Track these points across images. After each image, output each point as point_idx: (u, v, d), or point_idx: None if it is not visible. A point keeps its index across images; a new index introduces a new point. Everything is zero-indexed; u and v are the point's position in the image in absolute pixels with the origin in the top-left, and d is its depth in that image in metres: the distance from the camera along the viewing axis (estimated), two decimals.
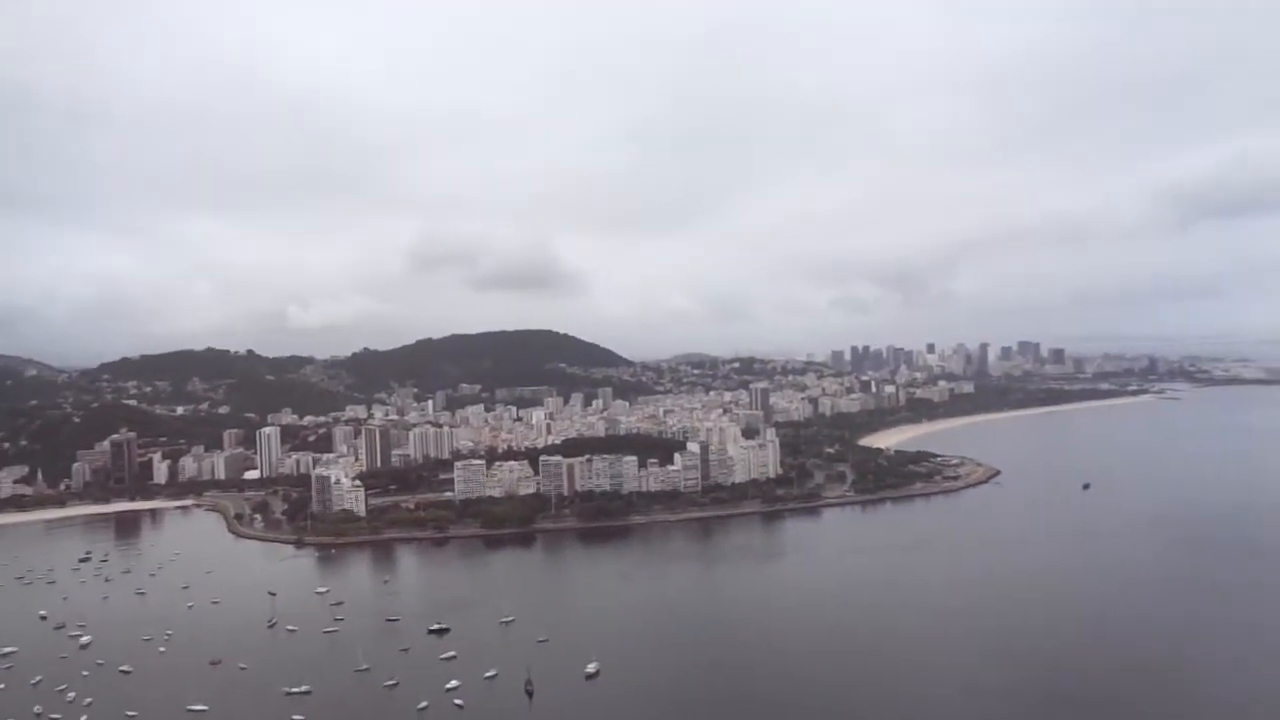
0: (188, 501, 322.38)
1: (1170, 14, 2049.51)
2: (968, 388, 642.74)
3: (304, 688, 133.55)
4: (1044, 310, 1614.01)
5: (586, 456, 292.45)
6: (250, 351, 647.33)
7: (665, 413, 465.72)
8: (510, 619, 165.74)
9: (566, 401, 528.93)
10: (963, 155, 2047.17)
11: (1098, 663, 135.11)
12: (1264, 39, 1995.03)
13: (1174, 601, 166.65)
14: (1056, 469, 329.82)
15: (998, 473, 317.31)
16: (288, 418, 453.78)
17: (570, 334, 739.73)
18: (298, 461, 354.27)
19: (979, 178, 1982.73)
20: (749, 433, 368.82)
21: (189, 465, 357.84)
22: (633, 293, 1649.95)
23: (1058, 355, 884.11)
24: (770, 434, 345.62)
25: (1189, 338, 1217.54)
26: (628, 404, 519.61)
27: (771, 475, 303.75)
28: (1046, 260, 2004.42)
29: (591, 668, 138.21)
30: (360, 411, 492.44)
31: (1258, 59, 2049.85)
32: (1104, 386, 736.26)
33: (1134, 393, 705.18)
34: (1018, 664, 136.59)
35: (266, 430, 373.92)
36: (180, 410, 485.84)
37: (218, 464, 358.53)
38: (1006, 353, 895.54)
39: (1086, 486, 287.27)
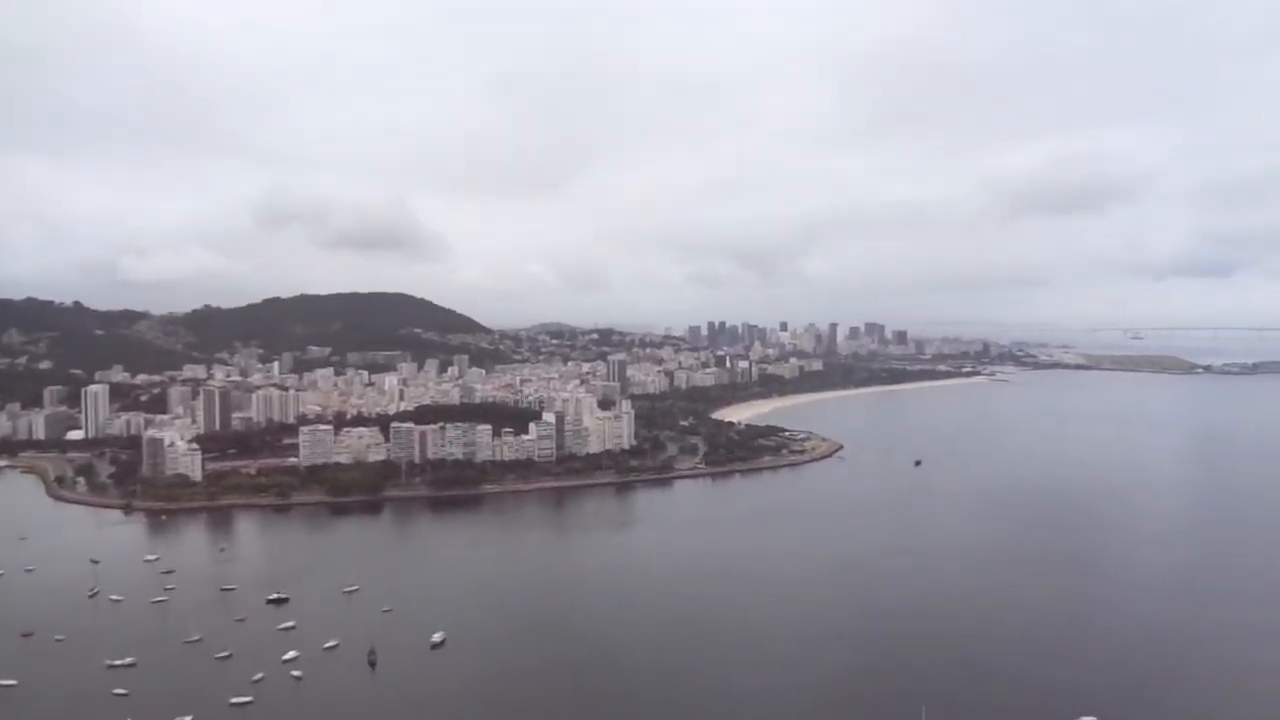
0: (0, 461, 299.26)
1: (1012, 14, 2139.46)
2: (817, 365, 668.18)
3: (128, 660, 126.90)
4: (888, 293, 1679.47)
5: (440, 424, 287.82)
6: (77, 304, 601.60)
7: (522, 382, 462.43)
8: (355, 588, 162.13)
9: (421, 368, 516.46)
10: (818, 139, 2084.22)
11: (912, 626, 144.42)
12: (1084, 41, 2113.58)
13: (983, 572, 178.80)
14: (894, 445, 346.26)
15: (840, 448, 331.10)
16: (118, 375, 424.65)
17: (427, 298, 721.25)
18: (128, 422, 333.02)
19: (833, 162, 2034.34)
20: (605, 404, 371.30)
21: (2, 423, 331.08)
22: (492, 258, 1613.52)
23: (901, 337, 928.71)
24: (626, 406, 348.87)
25: (1018, 324, 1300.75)
26: (484, 372, 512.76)
27: (626, 446, 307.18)
28: (892, 245, 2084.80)
29: (437, 637, 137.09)
30: (199, 371, 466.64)
31: (1082, 61, 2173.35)
32: (941, 368, 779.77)
33: (968, 374, 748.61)
34: (849, 636, 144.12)
35: (94, 388, 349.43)
36: None
37: (36, 423, 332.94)
38: (854, 333, 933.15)
39: (918, 463, 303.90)
